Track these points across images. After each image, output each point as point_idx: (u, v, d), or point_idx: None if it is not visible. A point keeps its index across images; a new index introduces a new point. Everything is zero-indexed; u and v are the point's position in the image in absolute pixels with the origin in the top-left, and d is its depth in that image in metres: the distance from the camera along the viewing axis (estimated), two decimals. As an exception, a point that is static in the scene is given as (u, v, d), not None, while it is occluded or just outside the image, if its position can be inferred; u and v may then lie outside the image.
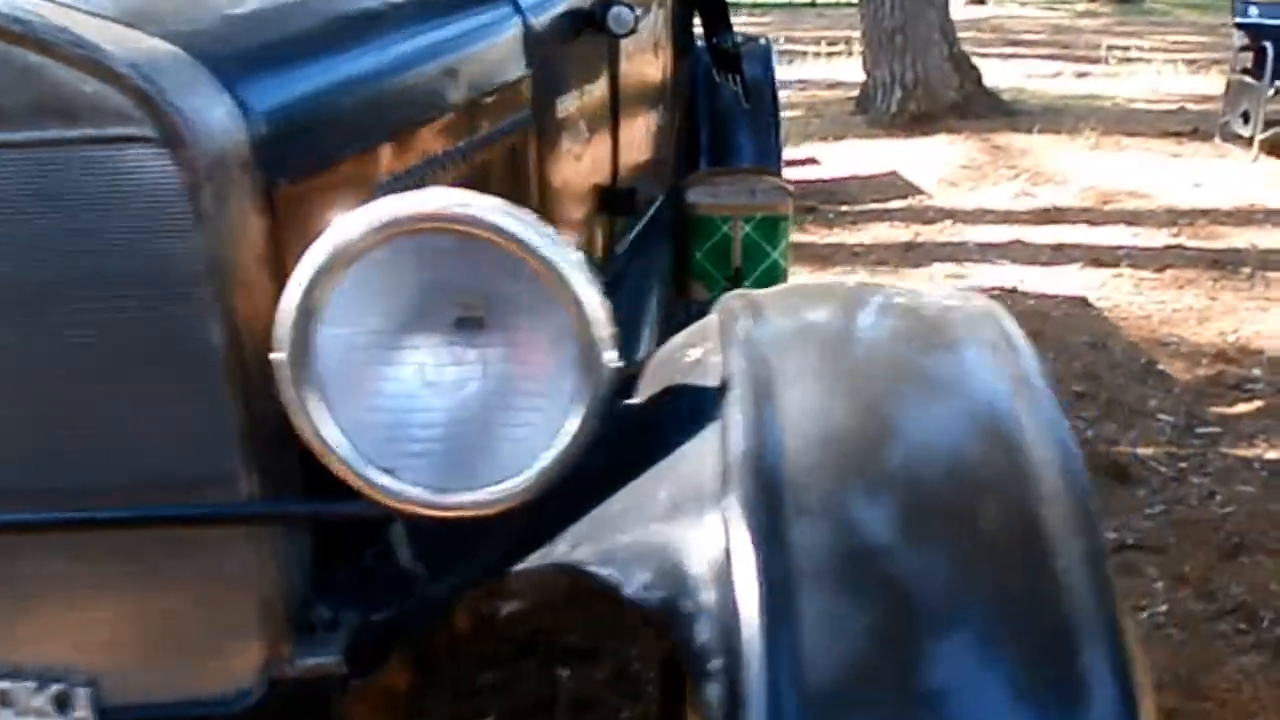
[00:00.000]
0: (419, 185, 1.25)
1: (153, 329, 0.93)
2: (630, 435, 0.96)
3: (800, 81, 9.72)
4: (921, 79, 7.52)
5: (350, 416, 0.89)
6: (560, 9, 1.76)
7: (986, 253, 4.91)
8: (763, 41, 3.51)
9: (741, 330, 0.94)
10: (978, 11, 15.30)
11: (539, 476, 0.88)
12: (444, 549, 1.02)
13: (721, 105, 3.15)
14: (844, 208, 5.74)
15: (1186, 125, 7.19)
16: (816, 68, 10.63)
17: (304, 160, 1.01)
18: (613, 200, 2.05)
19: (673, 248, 2.75)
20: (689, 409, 0.91)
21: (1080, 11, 15.86)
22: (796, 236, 5.16)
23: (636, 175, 2.21)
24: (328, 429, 0.88)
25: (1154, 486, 2.86)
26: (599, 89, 1.91)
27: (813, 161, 6.82)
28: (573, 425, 0.87)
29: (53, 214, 0.90)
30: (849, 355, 0.91)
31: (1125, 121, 7.45)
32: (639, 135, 2.23)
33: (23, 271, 0.91)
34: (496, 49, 1.51)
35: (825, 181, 6.30)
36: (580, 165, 1.84)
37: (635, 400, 1.01)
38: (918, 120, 7.42)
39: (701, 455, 0.85)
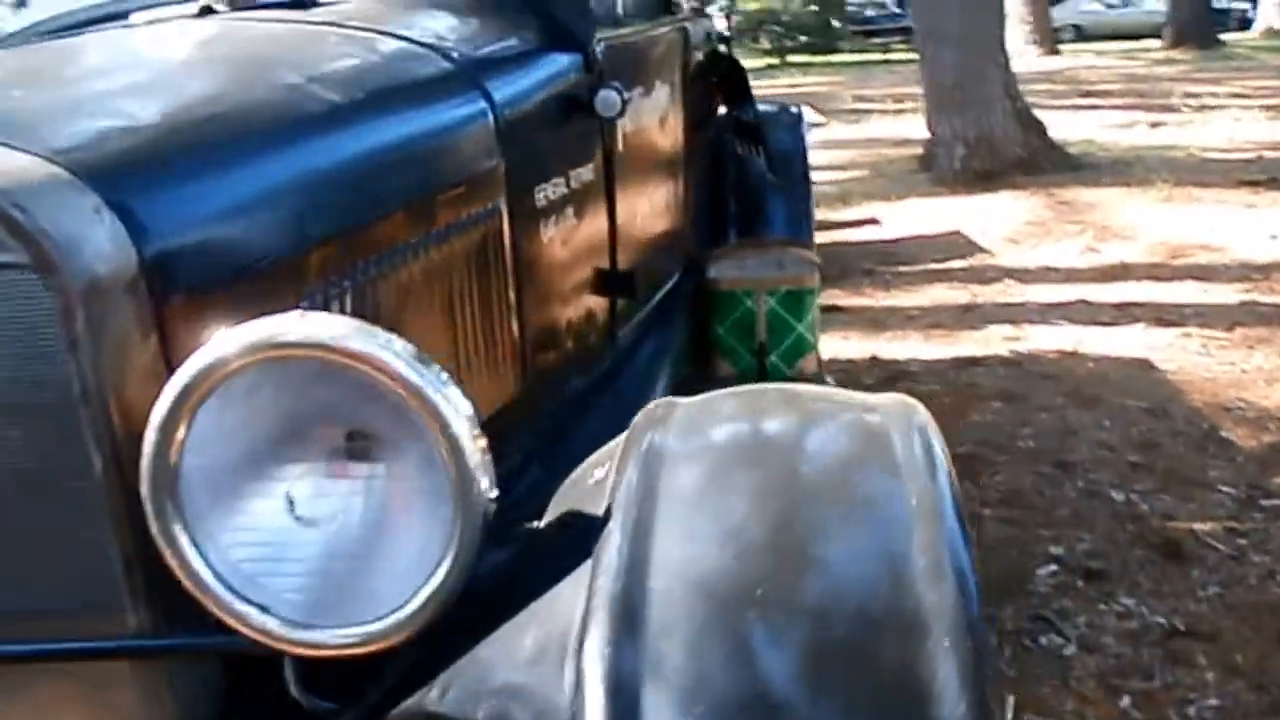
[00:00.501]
0: (359, 289, 1.23)
1: (31, 455, 0.90)
2: (517, 565, 0.90)
3: (867, 140, 9.67)
4: (985, 135, 7.41)
5: (219, 549, 0.85)
6: (541, 96, 1.74)
7: (1047, 313, 4.76)
8: (794, 110, 3.47)
9: (642, 447, 0.89)
10: (1052, 63, 15.13)
11: (412, 615, 0.83)
12: (339, 682, 0.97)
13: (750, 176, 3.11)
14: (902, 269, 5.63)
15: (1263, 174, 6.96)
16: (884, 125, 10.58)
17: (205, 275, 0.99)
18: (611, 283, 2.00)
19: (693, 323, 2.70)
20: (575, 538, 0.85)
21: (1158, 59, 15.60)
22: (851, 300, 5.09)
23: (641, 255, 2.17)
24: (195, 562, 0.84)
25: (1210, 565, 2.70)
26: (590, 171, 1.88)
27: (873, 222, 6.73)
28: (447, 562, 0.82)
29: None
30: (748, 479, 0.85)
31: (1199, 172, 7.24)
32: (643, 214, 2.19)
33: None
34: (460, 141, 1.49)
35: (885, 242, 6.21)
36: (569, 250, 1.81)
37: (535, 525, 0.96)
38: (982, 177, 7.30)
39: (571, 593, 0.79)
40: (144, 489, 0.84)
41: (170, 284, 0.94)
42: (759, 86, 3.41)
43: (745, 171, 3.09)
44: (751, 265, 2.84)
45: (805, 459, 0.88)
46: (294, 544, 0.85)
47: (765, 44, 20.09)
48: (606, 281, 1.99)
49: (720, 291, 2.73)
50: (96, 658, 0.92)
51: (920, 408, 0.95)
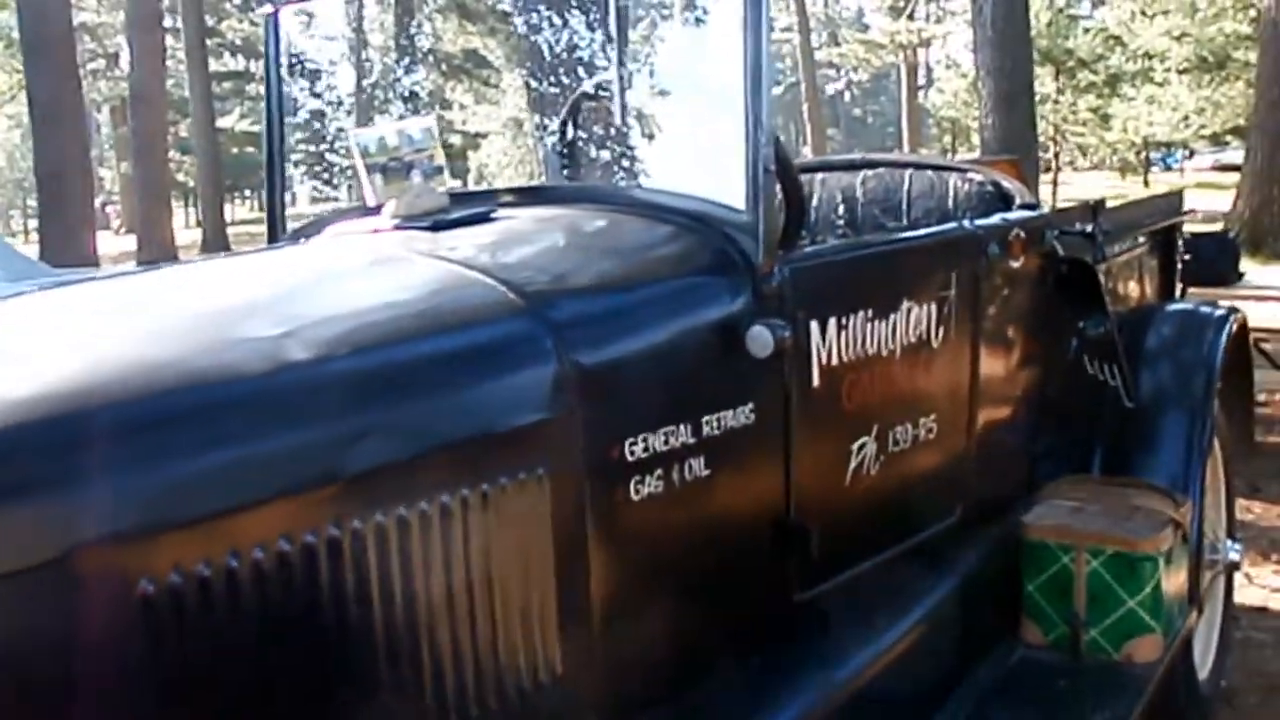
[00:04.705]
0: (295, 554, 1.12)
1: None
2: None
3: None
4: None
5: None
6: (652, 334, 1.53)
7: None
8: (1219, 311, 2.82)
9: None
10: None
11: None
12: None
13: (1110, 402, 2.56)
14: None
15: None
16: None
17: None
18: (781, 540, 1.71)
19: (996, 575, 2.22)
20: None
21: None
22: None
23: (842, 507, 1.83)
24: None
25: None
26: (744, 415, 1.59)
27: None
28: None
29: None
30: None
31: None
32: (861, 457, 1.84)
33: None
34: (485, 391, 1.33)
35: None
36: (695, 505, 1.55)
37: None
38: None
39: None
40: None
41: None
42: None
43: (1105, 396, 2.55)
44: (1088, 512, 2.30)
45: None
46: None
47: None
48: (774, 538, 1.70)
49: (1029, 541, 2.24)
50: None
51: None
